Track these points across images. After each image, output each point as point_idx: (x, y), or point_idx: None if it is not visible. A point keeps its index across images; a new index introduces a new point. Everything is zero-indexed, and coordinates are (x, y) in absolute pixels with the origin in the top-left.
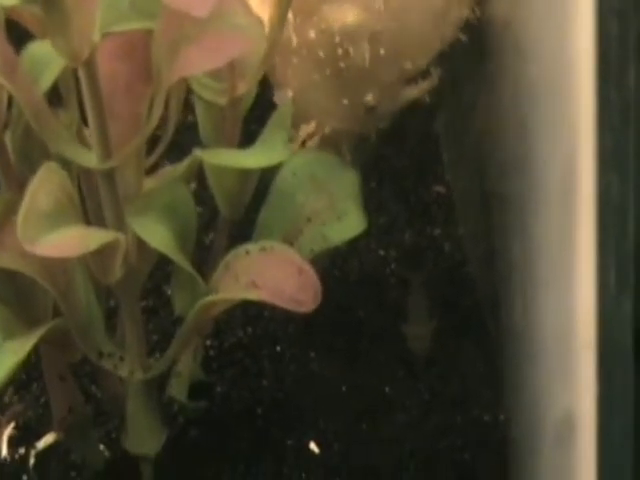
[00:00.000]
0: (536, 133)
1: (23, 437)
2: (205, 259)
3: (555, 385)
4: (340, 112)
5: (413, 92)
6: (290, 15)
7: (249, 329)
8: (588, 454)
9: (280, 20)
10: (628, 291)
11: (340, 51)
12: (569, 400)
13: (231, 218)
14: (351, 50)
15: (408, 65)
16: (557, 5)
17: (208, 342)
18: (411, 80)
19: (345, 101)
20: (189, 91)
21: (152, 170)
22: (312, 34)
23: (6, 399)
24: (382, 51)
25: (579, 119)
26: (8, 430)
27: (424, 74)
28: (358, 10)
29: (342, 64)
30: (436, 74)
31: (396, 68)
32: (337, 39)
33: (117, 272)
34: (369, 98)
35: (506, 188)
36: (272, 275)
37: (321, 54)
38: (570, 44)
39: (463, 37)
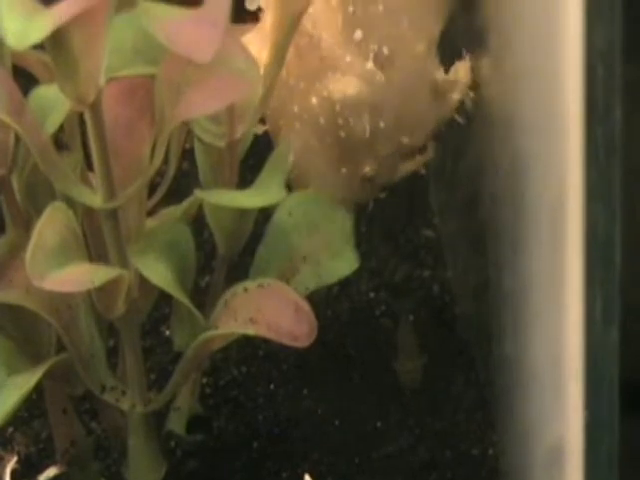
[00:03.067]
0: (527, 169)
1: (26, 471)
2: (204, 297)
3: (545, 414)
4: (338, 181)
5: (409, 166)
6: (294, 80)
7: (244, 367)
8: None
9: (277, 66)
10: (614, 322)
11: (340, 120)
12: (558, 428)
13: (229, 256)
14: (351, 120)
15: (406, 140)
16: (546, 50)
17: (205, 379)
18: (408, 154)
19: (343, 170)
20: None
21: (153, 211)
22: (314, 100)
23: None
24: (381, 124)
25: (568, 156)
26: (11, 464)
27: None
28: (360, 82)
29: (342, 133)
30: (431, 148)
31: (394, 142)
32: (338, 108)
33: (120, 307)
34: (367, 169)
35: (498, 222)
36: (269, 311)
37: (322, 121)
38: (559, 87)
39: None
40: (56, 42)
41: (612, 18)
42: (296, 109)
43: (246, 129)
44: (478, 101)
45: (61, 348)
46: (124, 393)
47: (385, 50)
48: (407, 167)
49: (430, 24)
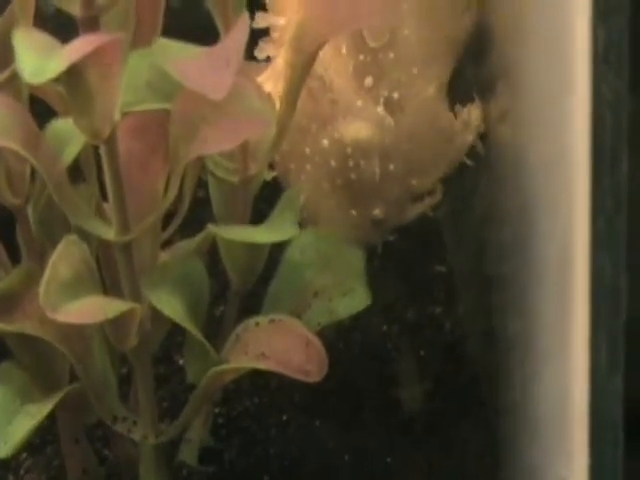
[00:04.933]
0: (534, 216)
1: None
2: (217, 330)
3: (550, 457)
4: (348, 222)
5: (418, 208)
6: (305, 122)
7: (256, 399)
8: None
9: (291, 105)
10: (619, 369)
11: (351, 163)
12: (563, 471)
13: (242, 291)
14: (362, 163)
15: (415, 183)
16: (555, 99)
17: (217, 410)
18: (417, 197)
19: (353, 212)
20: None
21: (167, 244)
22: (325, 143)
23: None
24: (391, 167)
25: (575, 204)
26: None
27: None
28: (371, 126)
29: (353, 176)
30: (440, 190)
31: (404, 185)
32: (349, 151)
33: (133, 339)
34: (376, 212)
35: (506, 268)
36: (280, 346)
37: (333, 164)
38: (567, 136)
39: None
40: (71, 78)
41: (620, 68)
42: (307, 151)
43: (260, 167)
44: (488, 145)
45: (74, 378)
46: (135, 424)
47: (395, 95)
48: (415, 209)
49: (439, 69)
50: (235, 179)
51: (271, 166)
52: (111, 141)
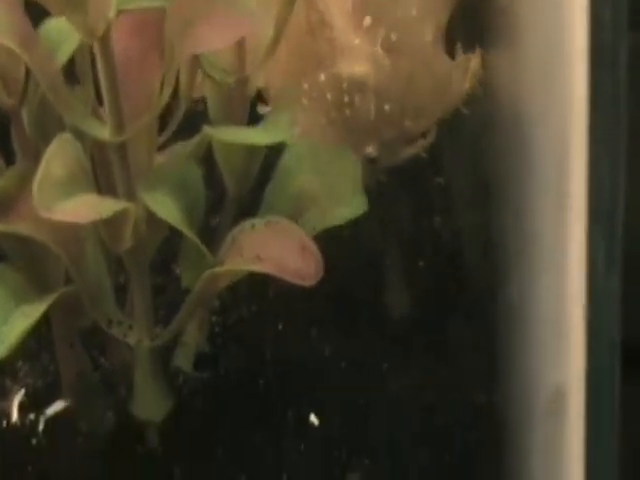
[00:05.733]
0: (531, 124)
1: (33, 403)
2: (212, 237)
3: (547, 362)
4: None
5: (412, 149)
6: (303, 57)
7: (253, 307)
8: (577, 424)
9: (288, 7)
10: (616, 268)
11: (347, 99)
12: (560, 375)
13: (238, 195)
14: (357, 100)
15: (409, 124)
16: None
17: (214, 318)
18: (411, 139)
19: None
20: None
21: (164, 147)
22: (322, 78)
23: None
24: (386, 107)
25: (572, 102)
26: (19, 396)
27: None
28: (367, 63)
29: (348, 112)
30: (434, 132)
31: (398, 126)
32: (345, 86)
33: (127, 241)
34: (370, 150)
35: (504, 176)
36: (276, 249)
37: (329, 97)
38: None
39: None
40: None
41: None
42: (305, 85)
43: (256, 67)
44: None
45: (69, 280)
46: (131, 328)
47: (393, 36)
48: (409, 150)
49: (437, 12)
50: (231, 80)
51: (266, 101)
52: (105, 39)
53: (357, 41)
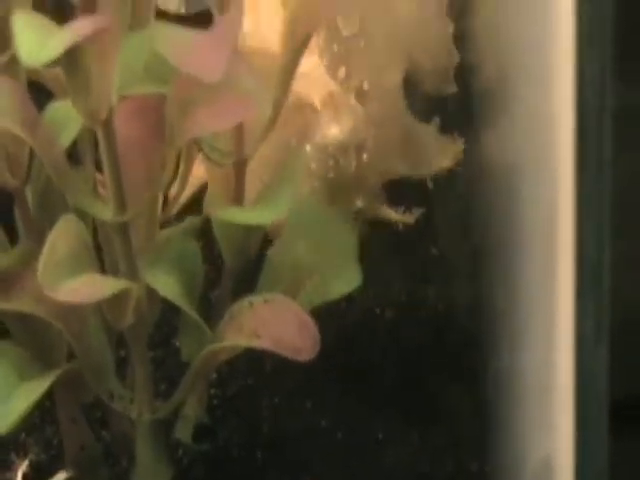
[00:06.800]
0: (520, 185)
1: (36, 475)
2: (212, 310)
3: (535, 432)
4: None
5: (393, 215)
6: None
7: (251, 380)
8: None
9: (285, 87)
10: (604, 340)
11: (331, 162)
12: (549, 445)
13: (236, 270)
14: (341, 160)
15: (390, 170)
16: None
17: (212, 391)
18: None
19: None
20: None
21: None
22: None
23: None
24: (364, 157)
25: (560, 172)
26: (22, 468)
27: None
28: (347, 120)
29: (332, 174)
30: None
31: (378, 172)
32: (330, 151)
33: (129, 318)
34: (357, 202)
35: (492, 237)
36: (273, 325)
37: (313, 166)
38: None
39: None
40: (69, 60)
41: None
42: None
43: (254, 148)
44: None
45: (72, 356)
46: (132, 401)
47: (365, 85)
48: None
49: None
50: (229, 161)
51: None
52: (108, 123)
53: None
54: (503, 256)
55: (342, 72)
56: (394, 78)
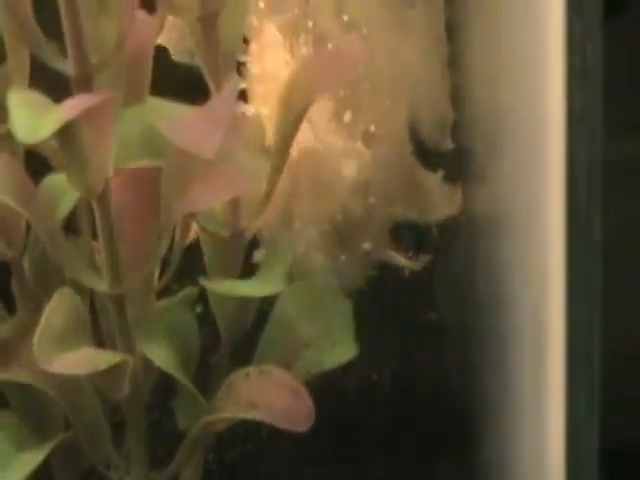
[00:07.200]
0: (509, 274)
1: None
2: (209, 378)
3: None
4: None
5: (396, 258)
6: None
7: (249, 446)
8: None
9: (281, 159)
10: (594, 425)
11: (340, 205)
12: None
13: (232, 341)
14: (349, 204)
15: (396, 212)
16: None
17: (210, 456)
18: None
19: (342, 256)
20: None
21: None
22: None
23: None
24: (371, 200)
25: (549, 261)
26: None
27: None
28: (353, 164)
29: (339, 218)
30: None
31: (385, 214)
32: (338, 193)
33: (124, 390)
34: (365, 245)
35: (482, 324)
36: (269, 397)
37: (321, 209)
38: (542, 191)
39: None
40: (65, 136)
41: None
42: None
43: (250, 221)
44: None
45: (69, 425)
46: (128, 472)
47: (372, 128)
48: (393, 258)
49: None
50: (226, 233)
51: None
52: (104, 197)
53: (341, 142)
54: (493, 342)
55: (348, 116)
56: (400, 121)
